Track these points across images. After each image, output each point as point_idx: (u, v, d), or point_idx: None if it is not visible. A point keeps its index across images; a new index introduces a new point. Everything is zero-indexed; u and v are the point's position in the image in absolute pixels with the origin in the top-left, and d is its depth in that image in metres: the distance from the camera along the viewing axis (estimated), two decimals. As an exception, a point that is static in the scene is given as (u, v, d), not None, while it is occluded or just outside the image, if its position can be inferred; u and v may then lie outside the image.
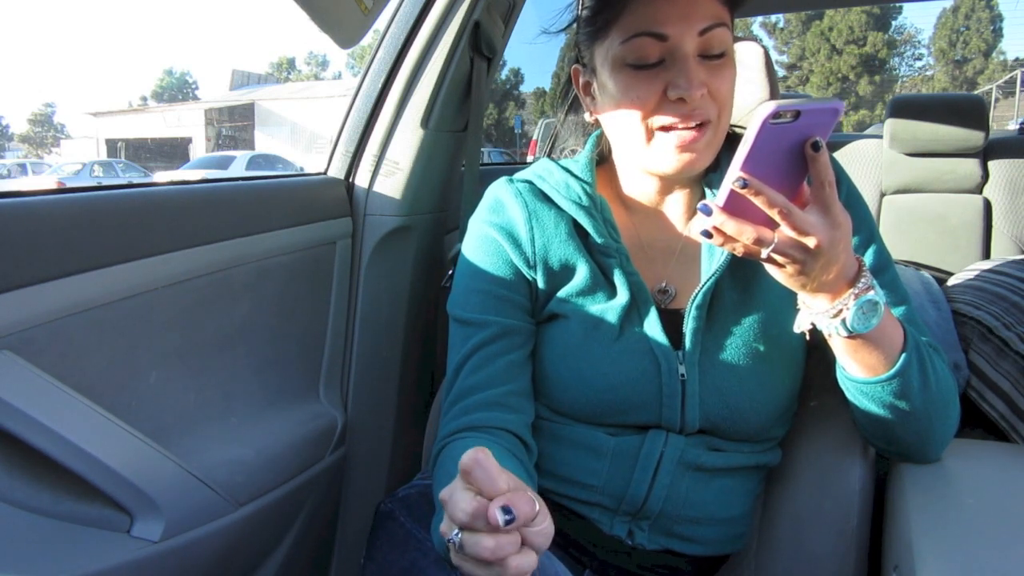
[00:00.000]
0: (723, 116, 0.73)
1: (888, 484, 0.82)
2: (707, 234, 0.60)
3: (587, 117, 0.83)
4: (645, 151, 0.75)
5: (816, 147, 0.56)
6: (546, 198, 0.82)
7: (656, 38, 0.70)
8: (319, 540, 1.16)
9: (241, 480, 0.91)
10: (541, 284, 0.80)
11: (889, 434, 0.75)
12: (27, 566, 0.68)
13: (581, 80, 0.82)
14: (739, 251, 0.61)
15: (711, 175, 0.80)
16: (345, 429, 1.14)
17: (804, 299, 0.67)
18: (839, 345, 0.69)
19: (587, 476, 0.78)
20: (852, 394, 0.74)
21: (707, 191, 0.80)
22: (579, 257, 0.79)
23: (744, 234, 0.58)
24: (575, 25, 0.82)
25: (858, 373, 0.70)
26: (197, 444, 0.87)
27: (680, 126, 0.71)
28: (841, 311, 0.64)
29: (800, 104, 0.54)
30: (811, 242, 0.58)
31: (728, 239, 0.59)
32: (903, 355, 0.68)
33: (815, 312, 0.66)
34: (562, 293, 0.79)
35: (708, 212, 0.59)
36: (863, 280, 0.64)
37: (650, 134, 0.73)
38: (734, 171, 0.56)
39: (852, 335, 0.65)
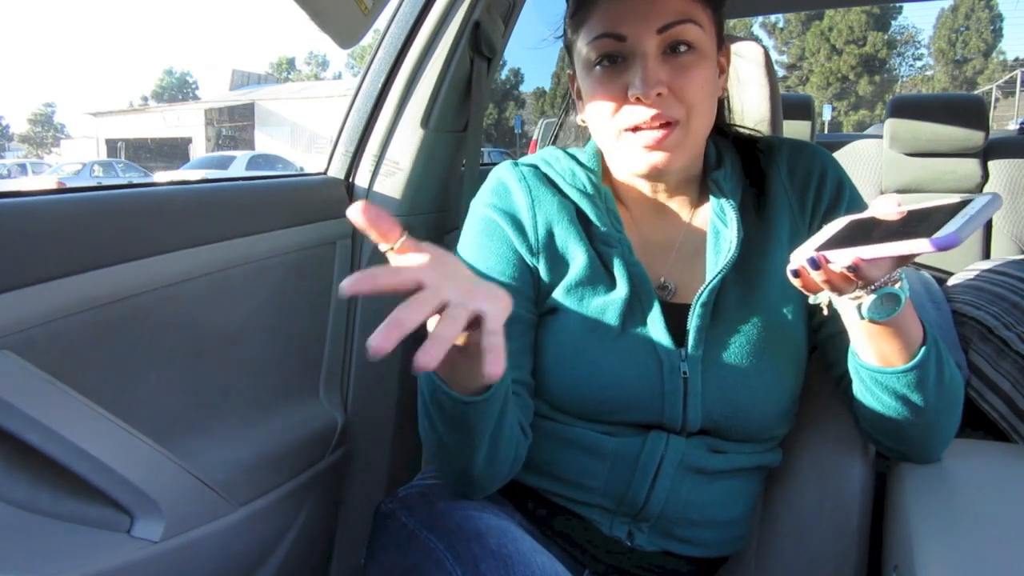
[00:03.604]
0: (693, 116, 0.71)
1: (888, 484, 0.82)
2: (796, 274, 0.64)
3: (577, 120, 0.84)
4: (616, 151, 0.75)
5: None
6: (550, 183, 0.81)
7: (615, 38, 0.71)
8: (319, 540, 1.16)
9: (241, 480, 0.91)
10: (543, 273, 0.79)
11: (894, 429, 0.74)
12: (27, 566, 0.68)
13: (575, 84, 0.82)
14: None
15: (715, 172, 0.79)
16: (345, 429, 1.14)
17: None
18: (855, 328, 0.68)
19: (587, 478, 0.78)
20: (865, 383, 0.72)
21: (713, 186, 0.79)
22: (579, 245, 0.78)
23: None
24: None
25: (872, 361, 0.69)
26: (197, 444, 0.87)
27: (644, 126, 0.71)
28: (860, 297, 0.63)
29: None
30: None
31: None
32: (923, 348, 0.67)
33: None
34: (562, 285, 0.78)
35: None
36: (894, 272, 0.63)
37: (618, 135, 0.73)
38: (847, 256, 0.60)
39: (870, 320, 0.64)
